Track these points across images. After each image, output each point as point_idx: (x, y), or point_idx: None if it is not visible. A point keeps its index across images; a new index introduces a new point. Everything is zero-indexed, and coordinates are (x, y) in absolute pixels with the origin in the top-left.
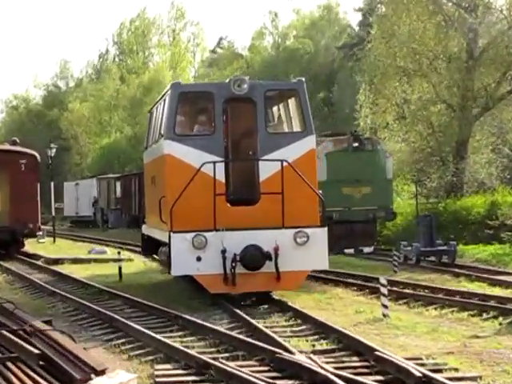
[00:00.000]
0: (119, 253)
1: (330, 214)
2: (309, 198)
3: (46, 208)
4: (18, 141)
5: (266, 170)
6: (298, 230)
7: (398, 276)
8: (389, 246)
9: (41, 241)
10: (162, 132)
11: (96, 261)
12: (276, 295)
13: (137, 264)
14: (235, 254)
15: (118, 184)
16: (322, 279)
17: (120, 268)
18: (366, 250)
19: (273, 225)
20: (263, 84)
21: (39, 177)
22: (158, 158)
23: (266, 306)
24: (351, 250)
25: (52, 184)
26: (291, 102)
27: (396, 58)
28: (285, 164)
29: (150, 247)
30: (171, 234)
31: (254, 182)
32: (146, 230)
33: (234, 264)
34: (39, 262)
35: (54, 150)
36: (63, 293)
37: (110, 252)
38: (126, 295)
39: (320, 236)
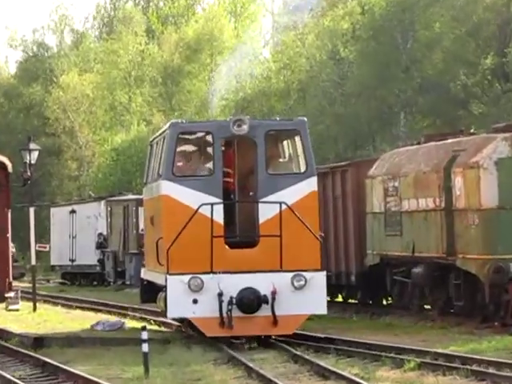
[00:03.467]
0: (144, 328)
1: (505, 264)
2: (309, 241)
3: (22, 251)
4: None
5: (266, 212)
6: (296, 273)
7: None
8: None
9: (12, 307)
10: (160, 172)
11: (106, 342)
12: None
13: (176, 348)
14: (231, 297)
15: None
16: None
17: (146, 355)
18: None
19: (272, 268)
20: (264, 124)
21: (9, 199)
22: (157, 198)
23: None
24: None
25: (31, 211)
26: (293, 141)
27: None
28: (284, 207)
29: (151, 294)
30: (167, 276)
31: (253, 224)
32: (145, 274)
33: (230, 307)
34: (9, 344)
35: (35, 154)
36: None
37: (130, 325)
38: None
39: (318, 280)
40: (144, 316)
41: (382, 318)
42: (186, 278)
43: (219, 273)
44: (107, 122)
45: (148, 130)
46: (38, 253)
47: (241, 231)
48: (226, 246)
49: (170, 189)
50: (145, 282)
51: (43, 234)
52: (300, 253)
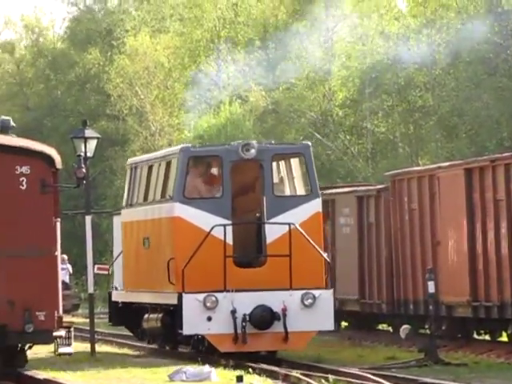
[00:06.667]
0: (241, 379)
1: None
2: (315, 260)
3: (76, 275)
4: (12, 123)
5: (273, 232)
6: (306, 291)
7: None
8: None
9: (63, 351)
10: (171, 194)
11: None
12: None
13: None
14: (245, 314)
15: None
16: None
17: None
18: None
19: (279, 286)
20: (271, 148)
21: (58, 205)
22: (161, 220)
23: None
24: None
25: (88, 220)
26: (297, 165)
27: None
28: (292, 227)
29: (123, 317)
30: (183, 294)
31: (260, 244)
32: (122, 296)
33: (244, 324)
34: None
35: (92, 144)
36: None
37: (221, 378)
38: None
39: (326, 298)
40: (241, 362)
41: None
42: (201, 296)
43: (232, 291)
44: (188, 101)
45: (243, 111)
46: (96, 277)
47: (242, 252)
48: (235, 265)
49: (182, 210)
50: (119, 305)
51: (104, 252)
52: (307, 272)
